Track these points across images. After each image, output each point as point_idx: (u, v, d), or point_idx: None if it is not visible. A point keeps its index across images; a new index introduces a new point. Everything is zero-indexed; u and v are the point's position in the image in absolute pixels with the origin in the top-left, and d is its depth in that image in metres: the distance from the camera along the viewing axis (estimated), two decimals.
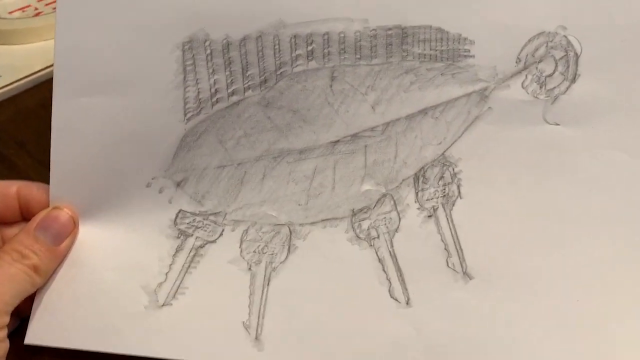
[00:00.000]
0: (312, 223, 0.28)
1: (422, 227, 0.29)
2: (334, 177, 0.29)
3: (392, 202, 0.29)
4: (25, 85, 0.45)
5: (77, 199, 0.27)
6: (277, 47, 0.27)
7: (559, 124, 0.29)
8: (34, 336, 0.26)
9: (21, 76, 0.45)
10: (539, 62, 0.29)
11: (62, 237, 0.26)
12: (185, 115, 0.27)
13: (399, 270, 0.28)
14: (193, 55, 0.26)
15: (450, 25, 0.27)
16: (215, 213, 0.28)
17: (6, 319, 0.24)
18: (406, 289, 0.28)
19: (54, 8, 0.51)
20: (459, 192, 0.29)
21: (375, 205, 0.29)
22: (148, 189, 0.27)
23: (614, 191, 0.28)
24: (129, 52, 0.25)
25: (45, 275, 0.25)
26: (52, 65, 0.44)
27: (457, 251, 0.28)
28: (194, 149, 0.27)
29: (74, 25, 0.25)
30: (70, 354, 0.26)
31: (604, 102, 0.29)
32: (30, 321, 0.26)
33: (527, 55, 0.28)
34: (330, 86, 0.28)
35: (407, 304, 0.27)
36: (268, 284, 0.27)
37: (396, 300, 0.28)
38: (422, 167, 0.29)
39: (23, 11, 0.53)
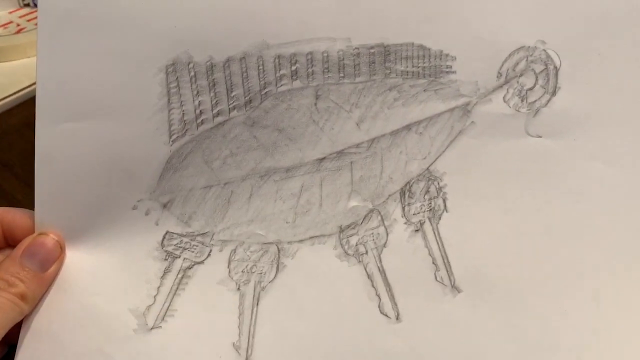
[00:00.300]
0: (301, 241, 0.29)
1: (409, 241, 0.29)
2: (321, 194, 0.29)
3: (379, 218, 0.29)
4: (10, 104, 0.44)
5: (62, 224, 0.27)
6: (261, 67, 0.27)
7: (541, 136, 0.30)
8: None
9: (5, 94, 0.44)
10: (519, 76, 0.29)
11: (49, 263, 0.26)
12: (170, 137, 0.27)
13: (388, 285, 0.28)
14: (177, 78, 0.26)
15: (432, 42, 0.28)
16: (202, 233, 0.28)
17: None
18: (396, 304, 0.28)
19: (36, 24, 0.51)
20: (445, 206, 0.29)
21: (362, 221, 0.29)
22: (134, 212, 0.27)
23: (595, 200, 0.29)
24: (112, 76, 0.25)
25: (33, 302, 0.25)
26: (34, 84, 0.45)
27: (445, 265, 0.29)
28: (180, 170, 0.27)
29: (55, 50, 0.25)
30: None
31: (584, 113, 0.30)
32: (18, 348, 0.26)
33: (507, 70, 0.29)
34: (315, 104, 0.28)
35: (397, 319, 0.28)
36: (257, 304, 0.27)
37: (386, 315, 0.28)
38: (408, 182, 0.29)
39: (5, 28, 0.53)
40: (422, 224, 0.29)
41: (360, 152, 0.29)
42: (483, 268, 0.29)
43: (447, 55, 0.28)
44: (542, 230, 0.29)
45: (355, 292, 0.28)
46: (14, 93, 0.45)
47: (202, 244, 0.28)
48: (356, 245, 0.29)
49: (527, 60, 0.29)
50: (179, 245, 0.28)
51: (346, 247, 0.29)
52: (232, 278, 0.28)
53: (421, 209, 0.29)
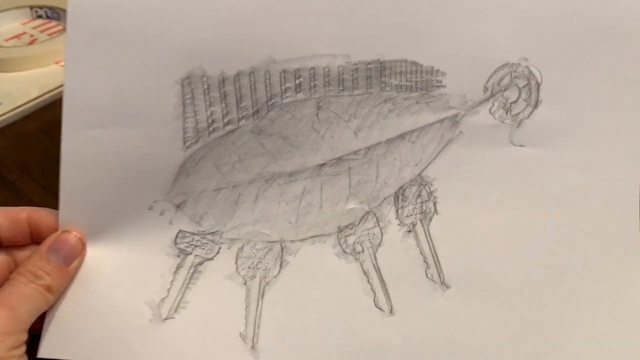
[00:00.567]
0: (302, 240, 0.31)
1: (402, 241, 0.31)
2: (321, 197, 0.31)
3: (374, 219, 0.31)
4: (25, 111, 0.46)
5: (84, 223, 0.28)
6: (268, 81, 0.29)
7: (523, 146, 0.32)
8: (46, 350, 0.27)
9: (21, 102, 0.46)
10: (504, 91, 0.31)
11: (72, 258, 0.28)
12: (184, 143, 0.29)
13: (382, 281, 0.30)
14: (191, 90, 0.28)
15: (424, 59, 0.30)
16: (212, 232, 0.30)
17: (25, 336, 0.25)
18: (389, 299, 0.30)
19: (49, 35, 0.53)
20: (435, 209, 0.31)
21: (359, 222, 0.31)
22: (150, 212, 0.29)
23: (572, 205, 0.31)
24: (132, 87, 0.27)
25: (57, 294, 0.27)
26: (50, 91, 0.47)
27: (435, 263, 0.31)
28: (193, 173, 0.29)
29: (82, 63, 0.26)
30: None
31: (563, 125, 0.32)
32: (42, 336, 0.27)
33: (493, 84, 0.31)
34: (317, 115, 0.30)
35: (391, 312, 0.30)
36: (262, 297, 0.29)
37: (380, 309, 0.30)
38: (401, 187, 0.31)
39: (19, 39, 0.54)
40: (414, 225, 0.31)
41: (357, 159, 0.31)
42: (470, 266, 0.31)
43: (437, 70, 0.30)
44: (524, 231, 0.31)
45: (352, 287, 0.30)
46: (30, 101, 0.46)
47: (212, 242, 0.30)
48: (353, 244, 0.31)
49: (511, 75, 0.31)
50: (190, 243, 0.30)
51: (344, 246, 0.31)
52: (239, 273, 0.30)
53: (413, 211, 0.31)
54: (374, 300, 0.30)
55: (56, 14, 0.57)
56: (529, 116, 0.31)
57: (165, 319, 0.28)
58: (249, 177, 0.30)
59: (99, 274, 0.28)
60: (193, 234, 0.30)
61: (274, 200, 0.30)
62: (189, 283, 0.29)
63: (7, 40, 0.54)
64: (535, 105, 0.31)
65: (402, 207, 0.31)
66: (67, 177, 0.27)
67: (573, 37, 0.30)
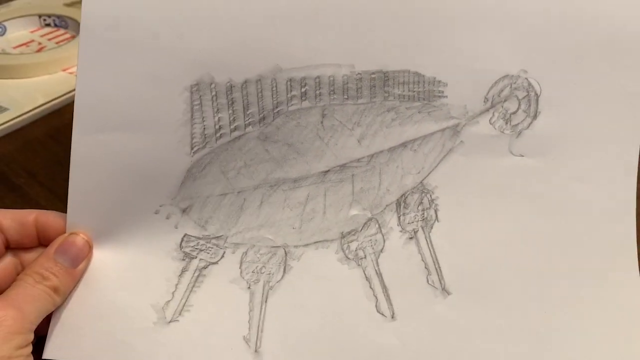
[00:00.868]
0: (306, 245, 0.31)
1: (404, 247, 0.31)
2: (324, 203, 0.31)
3: (377, 226, 0.32)
4: (32, 117, 0.47)
5: (91, 225, 0.29)
6: (274, 89, 0.30)
7: (523, 156, 0.32)
8: (51, 352, 0.27)
9: (28, 109, 0.47)
10: (504, 102, 0.32)
11: (79, 260, 0.28)
12: (192, 149, 0.29)
13: (384, 287, 0.31)
14: (200, 97, 0.29)
15: (426, 70, 0.30)
16: (217, 237, 0.31)
17: (31, 337, 0.26)
18: (391, 304, 0.30)
19: (57, 43, 0.54)
20: (437, 216, 0.32)
21: (362, 229, 0.31)
22: (156, 216, 0.30)
23: (570, 214, 0.32)
24: (143, 93, 0.28)
25: (64, 295, 0.27)
26: (56, 98, 0.47)
27: (436, 269, 0.31)
28: (199, 178, 0.30)
29: (94, 70, 0.27)
30: None
31: (562, 136, 0.32)
32: (48, 338, 0.27)
33: (493, 96, 0.32)
34: (321, 122, 0.31)
35: (393, 317, 0.30)
36: (266, 301, 0.30)
37: (382, 314, 0.30)
38: (403, 194, 0.32)
39: (27, 46, 0.55)
40: (415, 232, 0.32)
41: (360, 166, 0.32)
42: (471, 273, 0.31)
43: (439, 81, 0.31)
44: (524, 239, 0.32)
45: (355, 293, 0.30)
46: (37, 107, 0.47)
47: (217, 246, 0.30)
48: (356, 250, 0.31)
49: (511, 87, 0.32)
50: (195, 247, 0.30)
51: (347, 251, 0.31)
52: (243, 277, 0.30)
53: (415, 218, 0.32)
54: (376, 306, 0.30)
55: (64, 23, 0.58)
56: (528, 127, 0.32)
57: (170, 321, 0.29)
58: (254, 183, 0.30)
59: (104, 276, 0.29)
60: (198, 238, 0.30)
61: (279, 206, 0.31)
62: (193, 286, 0.29)
63: (15, 47, 0.55)
64: (535, 116, 0.32)
65: (404, 214, 0.32)
66: (76, 180, 0.28)
67: (571, 50, 0.31)
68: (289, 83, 0.29)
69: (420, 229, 0.32)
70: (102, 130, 0.28)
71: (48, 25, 0.58)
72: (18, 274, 0.28)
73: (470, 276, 0.31)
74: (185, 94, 0.28)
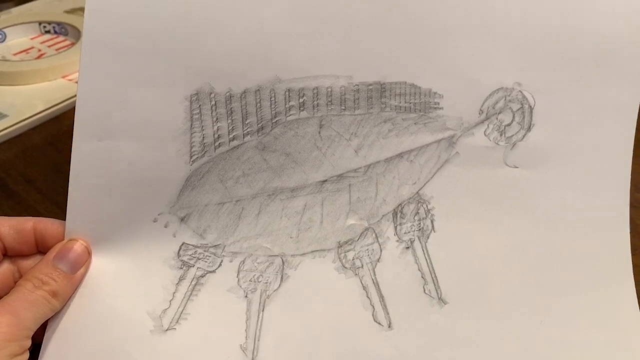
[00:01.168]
0: (303, 254, 0.31)
1: (401, 257, 0.32)
2: (322, 213, 0.32)
3: (373, 235, 0.32)
4: (32, 124, 0.47)
5: (90, 232, 0.29)
6: (273, 99, 0.30)
7: (517, 167, 0.33)
8: (48, 359, 0.27)
9: (27, 115, 0.47)
10: (498, 114, 0.32)
11: (78, 266, 0.28)
12: (191, 157, 0.30)
13: (381, 296, 0.31)
14: (199, 106, 0.29)
15: (422, 82, 0.31)
16: (215, 245, 0.31)
17: (28, 343, 0.26)
18: (388, 314, 0.30)
19: (57, 50, 0.55)
20: (433, 226, 0.32)
21: (359, 238, 0.32)
22: (155, 224, 0.30)
23: (564, 224, 0.32)
24: (143, 101, 0.28)
25: (63, 301, 0.27)
26: (55, 105, 0.48)
27: (433, 279, 0.31)
28: (198, 187, 0.30)
29: (95, 78, 0.27)
30: None
31: (556, 147, 0.33)
32: (44, 345, 0.27)
33: (488, 108, 0.32)
34: (319, 133, 0.31)
35: (389, 327, 0.30)
36: (263, 310, 0.30)
37: (379, 323, 0.30)
38: (400, 204, 0.32)
39: (27, 53, 0.55)
40: (412, 242, 0.32)
41: (357, 176, 0.32)
42: (467, 283, 0.31)
43: (435, 93, 0.31)
44: (519, 249, 0.32)
45: (352, 302, 0.30)
46: (36, 114, 0.47)
47: (215, 255, 0.31)
48: (353, 259, 0.31)
49: (505, 99, 0.32)
50: (193, 256, 0.30)
51: (344, 261, 0.31)
52: (240, 286, 0.30)
53: (411, 228, 0.32)
54: (373, 315, 0.30)
55: (64, 30, 0.58)
56: (522, 138, 0.33)
57: (167, 329, 0.29)
58: (252, 192, 0.31)
59: (101, 284, 0.29)
60: (196, 246, 0.30)
61: (276, 215, 0.31)
62: (190, 295, 0.29)
63: (15, 54, 0.55)
64: (529, 129, 0.33)
65: (400, 224, 0.32)
66: (75, 187, 0.28)
67: (564, 64, 0.32)
68: (287, 93, 0.30)
69: (416, 239, 0.32)
70: (102, 138, 0.28)
71: (48, 32, 0.58)
72: (15, 282, 0.28)
73: (467, 286, 0.31)
74: (185, 103, 0.28)
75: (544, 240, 0.32)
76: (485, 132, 0.32)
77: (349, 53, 0.30)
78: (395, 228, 0.32)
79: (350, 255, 0.31)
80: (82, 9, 0.61)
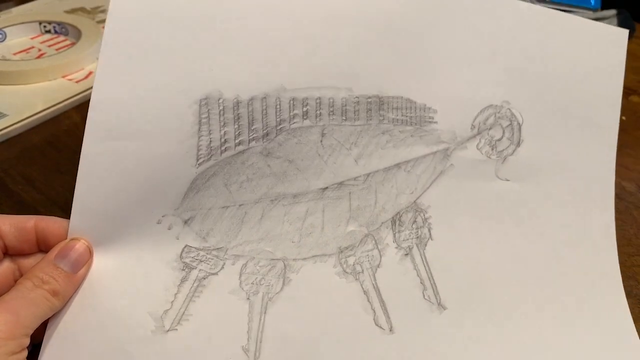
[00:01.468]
0: (304, 259, 0.32)
1: (400, 263, 0.32)
2: (323, 219, 0.32)
3: (373, 242, 0.33)
4: (31, 124, 0.46)
5: (93, 232, 0.29)
6: (278, 107, 0.31)
7: (508, 180, 0.34)
8: (47, 359, 0.27)
9: (27, 115, 0.46)
10: (489, 129, 0.34)
11: (80, 265, 0.28)
12: (197, 160, 0.30)
13: (382, 301, 0.31)
14: (208, 110, 0.30)
15: (418, 97, 0.33)
16: (217, 248, 0.31)
17: (26, 341, 0.25)
18: (389, 318, 0.31)
19: (57, 49, 0.56)
20: (430, 234, 0.33)
21: (359, 244, 0.32)
22: (158, 225, 0.30)
23: (553, 239, 0.33)
24: (154, 105, 0.29)
25: (64, 300, 0.27)
26: (55, 105, 0.48)
27: (432, 285, 0.32)
28: (202, 190, 0.31)
29: (110, 81, 0.28)
30: None
31: (544, 162, 0.35)
32: (44, 345, 0.27)
33: (479, 123, 0.34)
34: (321, 141, 0.32)
35: (391, 331, 0.30)
36: (265, 312, 0.30)
37: (380, 327, 0.30)
38: (398, 212, 0.33)
39: (27, 52, 0.55)
40: (410, 249, 0.33)
41: (357, 184, 0.33)
42: (464, 289, 0.32)
43: (430, 108, 0.33)
44: (512, 258, 0.33)
45: (353, 306, 0.31)
46: (36, 114, 0.46)
47: (217, 257, 0.31)
48: (353, 264, 0.32)
49: (495, 116, 0.35)
50: (195, 258, 0.30)
51: (345, 266, 0.32)
52: (242, 289, 0.30)
53: (409, 236, 0.33)
54: (374, 319, 0.30)
55: (64, 29, 0.58)
56: (512, 153, 0.35)
57: (168, 330, 0.28)
58: (255, 197, 0.31)
59: (103, 284, 0.28)
60: (198, 249, 0.30)
61: (278, 220, 0.31)
62: (192, 296, 0.29)
63: (15, 53, 0.55)
64: (518, 144, 0.35)
65: (399, 232, 0.33)
66: (82, 186, 0.28)
67: (550, 84, 0.34)
68: (292, 102, 0.31)
69: (415, 246, 0.33)
70: (112, 138, 0.29)
71: (48, 32, 0.58)
72: (16, 280, 0.27)
73: (464, 292, 0.32)
74: (194, 107, 0.29)
75: (535, 251, 0.33)
76: (477, 146, 0.34)
77: (350, 67, 0.32)
78: (394, 235, 0.33)
79: (351, 260, 0.32)
80: (82, 9, 0.62)
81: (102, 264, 0.29)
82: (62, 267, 0.27)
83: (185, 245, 0.30)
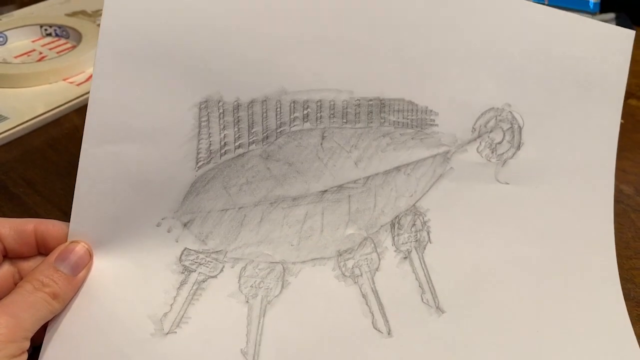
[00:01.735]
0: (303, 262, 0.32)
1: (399, 267, 0.32)
2: (322, 222, 0.32)
3: (372, 245, 0.33)
4: (32, 127, 0.46)
5: (93, 235, 0.29)
6: (278, 109, 0.31)
7: (508, 183, 0.34)
8: None
9: (28, 118, 0.46)
10: (490, 132, 0.34)
11: (80, 268, 0.28)
12: (197, 163, 0.30)
13: (380, 304, 0.31)
14: (208, 113, 0.30)
15: (419, 100, 0.33)
16: (217, 251, 0.31)
17: (26, 344, 0.25)
18: (387, 321, 0.31)
19: (58, 53, 0.56)
20: (429, 238, 0.33)
21: (358, 247, 0.32)
22: (158, 228, 0.30)
23: (553, 242, 0.33)
24: (154, 108, 0.29)
25: (64, 303, 0.27)
26: (56, 108, 0.48)
27: (430, 289, 0.32)
28: (202, 193, 0.31)
29: (108, 84, 0.28)
30: None
31: (544, 166, 0.35)
32: (43, 348, 0.27)
33: (480, 126, 0.34)
34: (321, 144, 0.32)
35: (389, 334, 0.31)
36: (264, 315, 0.30)
37: (379, 331, 0.31)
38: (397, 216, 0.33)
39: (28, 56, 0.55)
40: (409, 252, 0.33)
41: (357, 187, 0.33)
42: (463, 293, 0.32)
43: (431, 111, 0.33)
44: (512, 262, 0.33)
45: (351, 309, 0.31)
46: (37, 116, 0.46)
47: (216, 260, 0.31)
48: (352, 268, 0.32)
49: (496, 119, 0.34)
50: (195, 261, 0.30)
51: (343, 269, 0.32)
52: (241, 292, 0.30)
53: (408, 239, 0.33)
54: (372, 322, 0.31)
55: (65, 33, 0.58)
56: (512, 156, 0.34)
57: (167, 333, 0.28)
58: (254, 200, 0.31)
59: (102, 287, 0.29)
60: (198, 252, 0.30)
61: (278, 223, 0.31)
62: (191, 299, 0.29)
63: (16, 57, 0.55)
64: (518, 147, 0.34)
65: (398, 235, 0.33)
66: (82, 189, 0.28)
67: (550, 87, 0.34)
68: (292, 105, 0.31)
69: (413, 250, 0.33)
70: (111, 142, 0.28)
71: (49, 35, 0.58)
72: (16, 283, 0.28)
73: (463, 296, 0.32)
74: (194, 110, 0.29)
75: (534, 254, 0.34)
76: (477, 149, 0.34)
77: (351, 69, 0.31)
78: (393, 238, 0.33)
79: (350, 263, 0.32)
80: (83, 12, 0.62)
81: (102, 266, 0.29)
82: (62, 270, 0.27)
83: (185, 248, 0.30)
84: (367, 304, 0.31)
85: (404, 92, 0.32)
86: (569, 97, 0.35)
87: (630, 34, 0.35)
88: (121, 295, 0.29)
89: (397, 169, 0.33)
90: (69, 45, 0.58)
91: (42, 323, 0.26)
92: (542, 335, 0.31)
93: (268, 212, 0.32)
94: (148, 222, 0.30)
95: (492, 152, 0.34)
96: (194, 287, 0.30)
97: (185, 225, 0.31)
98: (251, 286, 0.30)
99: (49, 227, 0.29)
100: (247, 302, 0.30)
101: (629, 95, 0.33)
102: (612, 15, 0.55)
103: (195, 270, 0.30)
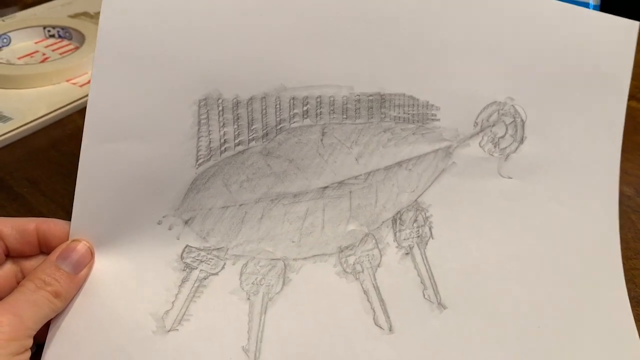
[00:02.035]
0: (304, 258, 0.32)
1: (400, 263, 0.32)
2: (323, 218, 0.32)
3: (374, 241, 0.33)
4: (36, 127, 0.47)
5: (94, 233, 0.29)
6: (278, 106, 0.31)
7: (511, 178, 0.34)
8: (50, 359, 0.27)
9: (31, 119, 0.47)
10: (492, 126, 0.34)
11: (81, 266, 0.28)
12: (197, 161, 0.30)
13: (382, 300, 0.31)
14: (207, 111, 0.30)
15: (420, 94, 0.32)
16: (218, 248, 0.31)
17: (29, 342, 0.25)
18: (389, 318, 0.31)
19: (61, 54, 0.56)
20: (431, 233, 0.33)
21: (359, 243, 0.32)
22: (159, 226, 0.30)
23: (556, 237, 0.33)
24: (153, 106, 0.29)
25: (65, 301, 0.27)
26: (59, 108, 0.48)
27: (432, 285, 0.32)
28: (202, 191, 0.31)
29: (107, 82, 0.28)
30: None
31: (547, 160, 0.34)
32: (46, 346, 0.27)
33: (482, 120, 0.34)
34: (321, 140, 0.32)
35: (390, 330, 0.30)
36: (265, 312, 0.30)
37: (380, 327, 0.31)
38: (399, 211, 0.33)
39: (31, 57, 0.56)
40: (411, 248, 0.33)
41: (358, 183, 0.33)
42: (465, 288, 0.32)
43: (432, 105, 0.33)
44: (514, 257, 0.33)
45: (353, 305, 0.31)
46: (40, 117, 0.47)
47: (218, 257, 0.31)
48: (353, 264, 0.32)
49: (498, 113, 0.34)
50: (196, 258, 0.31)
51: (345, 265, 0.32)
52: (243, 289, 0.30)
53: (410, 235, 0.33)
54: (374, 319, 0.30)
55: (68, 34, 0.59)
56: (515, 150, 0.34)
57: (169, 330, 0.29)
58: (255, 197, 0.31)
59: (104, 285, 0.29)
60: (199, 249, 0.31)
61: (279, 220, 0.31)
62: (193, 296, 0.30)
63: (20, 58, 0.56)
64: (521, 141, 0.34)
65: (399, 231, 0.33)
66: (83, 188, 0.28)
67: (554, 81, 0.34)
68: (292, 101, 0.31)
69: (415, 245, 0.33)
70: (111, 140, 0.28)
71: (52, 36, 0.59)
72: (18, 282, 0.28)
73: (465, 291, 0.32)
74: (193, 107, 0.29)
75: (537, 250, 0.33)
76: (480, 143, 0.34)
77: (351, 64, 0.31)
78: (395, 234, 0.33)
79: (351, 260, 0.32)
80: (85, 14, 0.62)
81: (104, 264, 0.29)
82: (63, 269, 0.27)
83: (186, 246, 0.30)
84: (368, 300, 0.31)
85: (404, 87, 0.32)
86: (572, 90, 0.34)
87: (634, 24, 0.34)
88: (123, 293, 0.29)
89: (399, 164, 0.33)
90: (71, 46, 0.58)
91: (45, 321, 0.27)
92: (544, 331, 0.31)
93: (269, 209, 0.32)
94: (149, 220, 0.30)
95: (495, 147, 0.34)
96: (196, 285, 0.30)
97: (186, 222, 0.31)
98: (252, 283, 0.30)
99: (51, 226, 0.29)
100: (248, 299, 0.30)
101: (629, 97, 0.33)
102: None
103: (196, 268, 0.30)
